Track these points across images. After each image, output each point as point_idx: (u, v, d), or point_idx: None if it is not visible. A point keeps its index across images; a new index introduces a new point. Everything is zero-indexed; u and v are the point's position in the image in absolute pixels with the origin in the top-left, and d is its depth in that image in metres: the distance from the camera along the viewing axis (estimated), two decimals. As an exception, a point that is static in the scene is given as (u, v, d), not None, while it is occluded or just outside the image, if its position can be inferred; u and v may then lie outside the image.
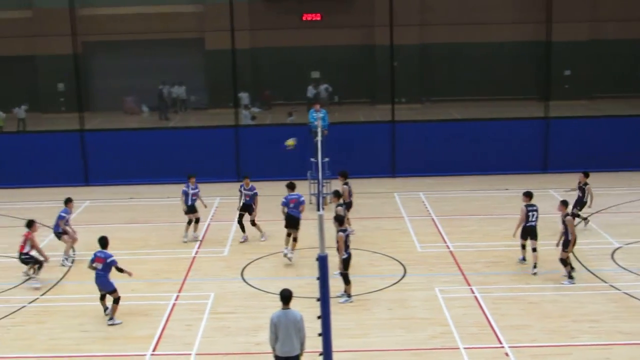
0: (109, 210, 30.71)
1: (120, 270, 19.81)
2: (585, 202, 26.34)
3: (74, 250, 24.66)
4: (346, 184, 25.84)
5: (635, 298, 20.61)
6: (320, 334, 15.81)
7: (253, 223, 26.00)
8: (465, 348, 17.90)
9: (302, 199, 24.31)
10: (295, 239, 23.83)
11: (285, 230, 24.09)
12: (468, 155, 34.97)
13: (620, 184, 32.87)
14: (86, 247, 25.41)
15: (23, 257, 22.48)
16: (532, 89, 46.79)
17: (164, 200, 30.30)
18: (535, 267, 22.44)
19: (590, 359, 17.28)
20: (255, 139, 35.38)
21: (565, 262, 21.66)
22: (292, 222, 23.92)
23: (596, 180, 32.87)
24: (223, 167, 34.78)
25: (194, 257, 24.63)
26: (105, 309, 19.94)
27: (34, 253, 22.44)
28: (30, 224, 22.56)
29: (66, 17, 35.46)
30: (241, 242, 25.96)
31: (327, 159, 28.99)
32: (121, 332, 19.16)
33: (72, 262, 24.30)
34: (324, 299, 16.14)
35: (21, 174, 34.75)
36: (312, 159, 29.30)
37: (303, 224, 24.25)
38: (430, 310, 20.13)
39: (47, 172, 34.67)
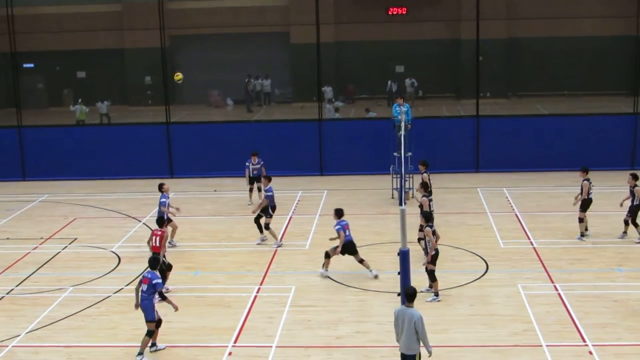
0: (194, 203, 31.09)
1: (163, 298, 17.84)
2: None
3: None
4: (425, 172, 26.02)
5: None
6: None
7: (267, 227, 25.20)
8: (547, 345, 17.67)
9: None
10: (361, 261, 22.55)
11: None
12: (553, 150, 34.49)
13: None
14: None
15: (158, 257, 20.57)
16: (621, 84, 45.92)
17: (246, 192, 30.51)
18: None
19: (676, 360, 16.96)
20: (338, 133, 35.45)
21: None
22: (351, 249, 22.44)
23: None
24: (306, 160, 34.93)
25: (275, 250, 24.78)
26: (153, 344, 18.02)
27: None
28: (162, 222, 21.93)
29: (155, 10, 35.94)
30: (258, 244, 25.53)
31: (410, 154, 28.89)
32: (203, 323, 19.38)
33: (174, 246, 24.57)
34: (405, 293, 16.13)
35: (107, 165, 35.41)
36: (395, 154, 29.23)
37: (385, 217, 24.20)
38: (512, 307, 19.92)
39: (133, 164, 35.25)
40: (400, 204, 17.09)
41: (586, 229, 25.26)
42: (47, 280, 22.66)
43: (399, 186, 28.52)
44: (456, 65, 49.28)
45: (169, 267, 21.27)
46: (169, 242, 24.15)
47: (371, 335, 18.40)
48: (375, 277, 21.90)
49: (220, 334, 18.69)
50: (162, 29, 35.89)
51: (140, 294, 17.60)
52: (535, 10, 46.65)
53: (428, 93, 50.39)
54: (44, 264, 24.09)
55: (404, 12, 48.95)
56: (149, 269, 18.14)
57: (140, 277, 18.27)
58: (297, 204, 30.33)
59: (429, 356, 15.14)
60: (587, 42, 47.62)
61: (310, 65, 37.70)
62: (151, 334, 17.56)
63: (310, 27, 36.06)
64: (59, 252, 25.26)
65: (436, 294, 20.46)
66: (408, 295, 15.14)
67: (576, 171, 31.38)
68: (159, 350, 17.88)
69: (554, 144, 34.55)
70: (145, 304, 17.50)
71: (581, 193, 25.14)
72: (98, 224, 28.41)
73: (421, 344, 14.94)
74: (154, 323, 17.56)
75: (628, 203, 24.59)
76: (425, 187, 23.97)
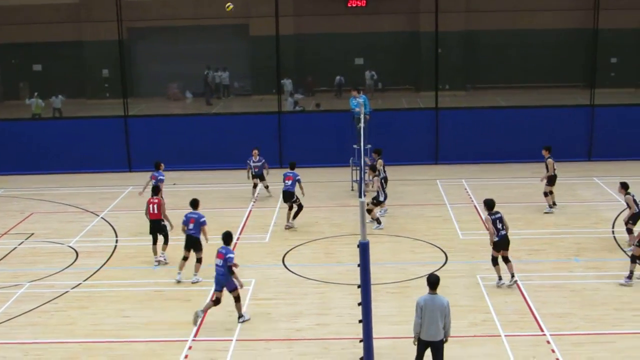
0: (152, 196, 30.84)
1: (231, 272, 18.63)
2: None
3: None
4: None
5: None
6: (360, 321, 15.88)
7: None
8: (506, 335, 17.80)
9: (203, 219, 21.87)
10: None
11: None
12: (512, 142, 34.74)
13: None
14: (128, 233, 25.74)
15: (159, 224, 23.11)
16: (577, 77, 46.30)
17: (206, 186, 30.41)
18: None
19: (632, 347, 17.11)
20: (298, 126, 35.41)
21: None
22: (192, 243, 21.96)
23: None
24: (266, 153, 34.79)
25: (235, 244, 24.70)
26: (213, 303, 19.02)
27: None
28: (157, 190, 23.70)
29: (112, 2, 35.62)
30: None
31: (369, 146, 28.91)
32: (162, 318, 19.29)
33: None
34: (365, 285, 16.17)
35: (64, 159, 35.03)
36: (355, 146, 29.25)
37: (345, 210, 24.24)
38: (471, 298, 20.05)
39: (90, 158, 34.96)
40: (360, 196, 17.07)
41: (554, 203, 26.16)
42: (4, 276, 22.39)
43: (358, 178, 28.57)
44: (415, 58, 49.38)
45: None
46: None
47: (332, 328, 18.42)
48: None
49: (180, 329, 18.59)
50: (119, 21, 35.59)
51: (216, 268, 18.74)
52: (494, 3, 46.82)
53: (387, 85, 50.46)
54: (0, 259, 23.82)
55: (364, 5, 48.89)
56: (223, 245, 18.95)
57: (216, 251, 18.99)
58: (257, 196, 30.23)
59: (446, 341, 15.39)
60: (545, 34, 47.89)
61: (270, 58, 37.57)
62: (239, 299, 18.78)
63: (270, 19, 35.95)
64: (15, 247, 24.97)
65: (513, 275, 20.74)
66: (431, 283, 15.25)
67: (535, 162, 31.79)
68: (245, 321, 18.89)
69: (512, 136, 34.79)
70: (223, 278, 18.61)
71: (547, 170, 26.12)
72: (55, 219, 28.13)
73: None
74: (237, 290, 18.70)
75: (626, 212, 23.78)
76: (374, 169, 25.11)
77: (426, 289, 15.14)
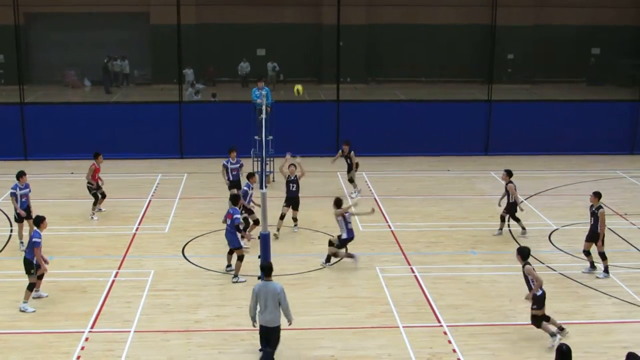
0: (49, 185, 30.31)
1: (239, 230, 20.54)
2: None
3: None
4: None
5: (571, 279, 20.94)
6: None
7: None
8: (404, 327, 18.03)
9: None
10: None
11: None
12: (411, 136, 35.14)
13: (559, 167, 33.34)
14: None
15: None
16: (476, 72, 47.13)
17: (106, 175, 29.88)
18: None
19: (527, 338, 17.51)
20: (199, 116, 35.15)
21: (588, 253, 21.28)
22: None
23: (535, 163, 33.54)
24: (166, 143, 34.56)
25: (134, 234, 24.44)
26: (228, 265, 21.22)
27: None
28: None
29: (8, -14, 34.76)
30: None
31: (271, 137, 28.92)
32: (59, 308, 18.95)
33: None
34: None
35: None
36: (256, 137, 29.19)
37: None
38: (370, 289, 20.23)
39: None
40: (261, 187, 17.09)
41: (523, 228, 24.44)
42: None
43: (259, 169, 28.51)
44: (317, 50, 49.53)
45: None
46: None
47: (231, 319, 18.37)
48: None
49: (76, 319, 18.30)
50: (15, 5, 34.73)
51: (226, 227, 20.72)
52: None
53: (289, 77, 50.44)
54: None
55: (267, -5, 48.86)
56: (231, 205, 20.88)
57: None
58: (156, 187, 29.95)
59: (290, 324, 15.80)
60: (445, 30, 48.61)
61: (171, 47, 37.16)
62: (242, 258, 20.55)
63: (171, 8, 35.53)
64: None
65: (561, 329, 17.72)
66: (265, 269, 15.58)
67: (434, 156, 32.28)
68: (240, 282, 20.43)
69: (412, 129, 35.18)
70: (228, 236, 20.60)
71: (507, 196, 24.09)
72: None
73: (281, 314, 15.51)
74: (240, 249, 20.64)
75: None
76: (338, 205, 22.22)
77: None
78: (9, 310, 18.81)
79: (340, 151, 29.02)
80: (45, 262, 19.14)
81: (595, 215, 20.97)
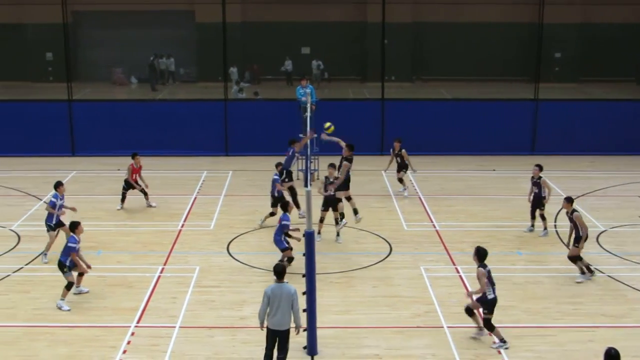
0: (96, 182, 30.60)
1: (288, 236, 21.05)
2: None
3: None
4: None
5: (618, 281, 20.70)
6: (305, 310, 15.93)
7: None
8: (448, 327, 17.96)
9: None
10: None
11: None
12: (457, 134, 34.94)
13: (606, 167, 32.96)
14: (71, 217, 25.38)
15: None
16: (522, 71, 46.80)
17: (151, 172, 30.08)
18: None
19: (573, 340, 17.35)
20: (243, 114, 35.25)
21: (575, 259, 20.80)
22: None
23: (582, 164, 33.21)
24: (211, 140, 34.71)
25: (180, 230, 24.59)
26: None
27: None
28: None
29: (57, -15, 35.15)
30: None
31: (315, 135, 28.92)
32: (105, 303, 19.13)
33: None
34: (310, 275, 16.23)
35: (7, 142, 34.37)
36: (301, 135, 29.21)
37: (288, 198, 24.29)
38: (414, 289, 20.18)
39: (33, 142, 34.41)
40: (306, 186, 17.09)
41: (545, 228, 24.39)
42: (-57, 259, 22.07)
43: (304, 167, 28.53)
44: (362, 48, 49.49)
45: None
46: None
47: (275, 316, 18.39)
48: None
49: (122, 314, 18.48)
50: (64, 4, 35.09)
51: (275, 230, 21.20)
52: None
53: (334, 75, 50.53)
54: (-60, 242, 23.46)
55: (312, -6, 48.90)
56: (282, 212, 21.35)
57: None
58: (201, 184, 30.11)
59: (303, 330, 15.82)
60: (491, 28, 48.29)
61: (216, 45, 37.32)
62: (290, 260, 21.03)
63: (216, 6, 35.68)
64: (-44, 230, 24.61)
65: (502, 341, 17.28)
66: (277, 272, 15.50)
67: (478, 155, 32.11)
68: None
69: (457, 128, 34.99)
70: (275, 239, 21.05)
71: (539, 191, 24.16)
72: (-3, 202, 27.78)
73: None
74: (288, 251, 21.04)
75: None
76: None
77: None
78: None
79: (391, 150, 28.93)
80: (88, 267, 19.31)
81: (572, 220, 20.77)
